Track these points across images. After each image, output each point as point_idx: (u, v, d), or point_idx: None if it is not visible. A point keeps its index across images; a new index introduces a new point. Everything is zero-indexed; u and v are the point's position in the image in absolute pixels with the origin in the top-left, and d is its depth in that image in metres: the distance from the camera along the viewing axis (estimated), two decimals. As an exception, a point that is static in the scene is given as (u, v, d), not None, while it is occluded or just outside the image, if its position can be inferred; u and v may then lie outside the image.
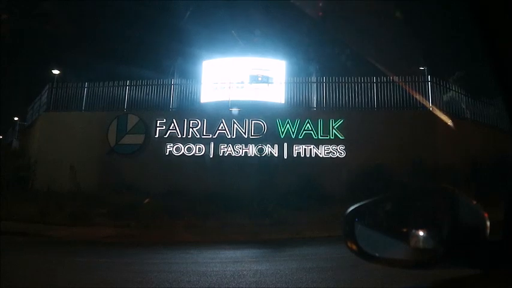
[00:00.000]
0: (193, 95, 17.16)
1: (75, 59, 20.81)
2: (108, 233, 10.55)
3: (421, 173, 12.82)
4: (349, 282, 5.39)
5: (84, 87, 17.60)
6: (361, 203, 1.29)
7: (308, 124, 15.39)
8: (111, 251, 8.87)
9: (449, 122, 14.85)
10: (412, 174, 12.86)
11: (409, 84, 15.96)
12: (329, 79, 16.41)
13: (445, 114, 15.54)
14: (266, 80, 16.92)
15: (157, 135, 16.09)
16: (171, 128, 15.98)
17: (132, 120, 16.34)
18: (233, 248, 9.05)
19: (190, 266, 6.94)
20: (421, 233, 1.19)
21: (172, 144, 15.80)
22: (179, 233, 10.56)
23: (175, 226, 11.21)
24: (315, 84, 16.63)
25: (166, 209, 12.32)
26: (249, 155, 15.39)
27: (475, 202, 1.14)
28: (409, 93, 15.64)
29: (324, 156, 15.20)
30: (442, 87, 16.32)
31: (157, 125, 16.14)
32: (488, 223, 1.10)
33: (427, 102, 15.73)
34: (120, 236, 10.43)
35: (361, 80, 16.03)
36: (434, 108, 15.70)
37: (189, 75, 17.77)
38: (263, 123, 15.54)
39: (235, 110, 16.05)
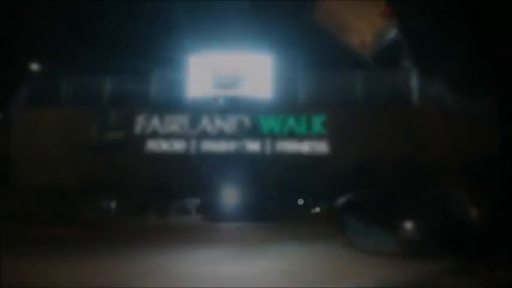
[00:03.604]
0: (176, 91, 16.93)
1: (52, 52, 20.23)
2: (89, 231, 10.40)
3: (408, 168, 12.88)
4: (338, 276, 5.38)
5: (64, 82, 17.16)
6: (351, 195, 1.27)
7: (292, 120, 15.38)
8: (89, 249, 8.71)
9: (437, 117, 14.88)
10: (399, 170, 12.90)
11: (395, 78, 15.98)
12: (314, 74, 16.36)
13: (432, 109, 15.58)
14: (250, 76, 16.83)
15: (138, 131, 15.81)
16: (152, 123, 15.78)
17: (113, 115, 16.05)
18: (215, 246, 8.99)
19: (170, 267, 6.88)
20: (409, 225, 1.19)
21: (153, 140, 15.55)
22: (161, 231, 10.48)
23: (157, 224, 11.13)
24: (299, 80, 16.60)
25: (148, 205, 12.22)
26: (231, 151, 15.31)
27: (462, 196, 1.14)
28: (396, 88, 15.63)
29: (308, 152, 15.21)
30: (429, 82, 16.34)
31: (139, 120, 15.87)
32: (475, 216, 1.09)
33: (414, 97, 15.75)
34: (102, 234, 10.29)
35: (346, 75, 16.01)
36: (421, 103, 15.73)
37: (172, 70, 17.53)
38: (246, 119, 15.46)
39: (218, 106, 15.95)
